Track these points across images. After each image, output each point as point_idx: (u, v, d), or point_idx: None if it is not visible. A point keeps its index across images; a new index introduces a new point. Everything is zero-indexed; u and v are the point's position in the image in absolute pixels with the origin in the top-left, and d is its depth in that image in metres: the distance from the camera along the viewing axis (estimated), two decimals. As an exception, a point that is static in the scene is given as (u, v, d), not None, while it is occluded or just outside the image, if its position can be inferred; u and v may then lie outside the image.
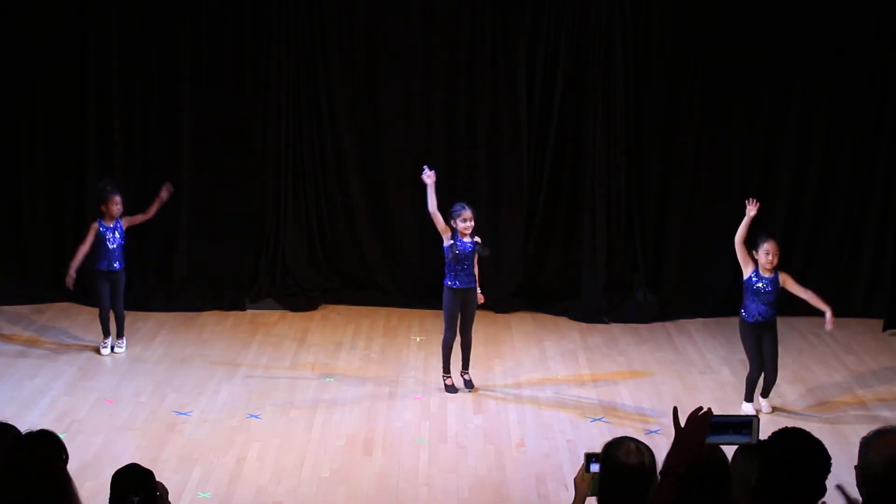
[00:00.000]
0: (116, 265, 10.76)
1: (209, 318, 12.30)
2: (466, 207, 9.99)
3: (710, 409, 3.96)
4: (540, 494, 8.23)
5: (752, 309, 9.59)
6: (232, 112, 12.50)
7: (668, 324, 12.26)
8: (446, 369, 10.21)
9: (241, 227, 12.71)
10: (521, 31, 12.31)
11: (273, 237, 12.73)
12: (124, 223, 10.84)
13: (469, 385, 10.21)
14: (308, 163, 12.65)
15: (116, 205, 10.69)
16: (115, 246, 10.72)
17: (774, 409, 9.84)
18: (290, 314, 12.49)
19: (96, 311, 12.23)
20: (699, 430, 3.90)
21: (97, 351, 10.90)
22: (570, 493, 4.47)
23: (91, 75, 12.35)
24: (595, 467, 4.39)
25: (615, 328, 12.14)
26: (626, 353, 11.37)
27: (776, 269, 9.63)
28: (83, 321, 11.78)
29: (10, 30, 12.24)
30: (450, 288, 9.98)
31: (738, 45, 12.22)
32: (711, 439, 3.95)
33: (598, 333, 11.97)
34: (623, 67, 12.25)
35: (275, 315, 12.45)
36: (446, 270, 9.98)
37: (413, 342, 11.57)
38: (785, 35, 12.20)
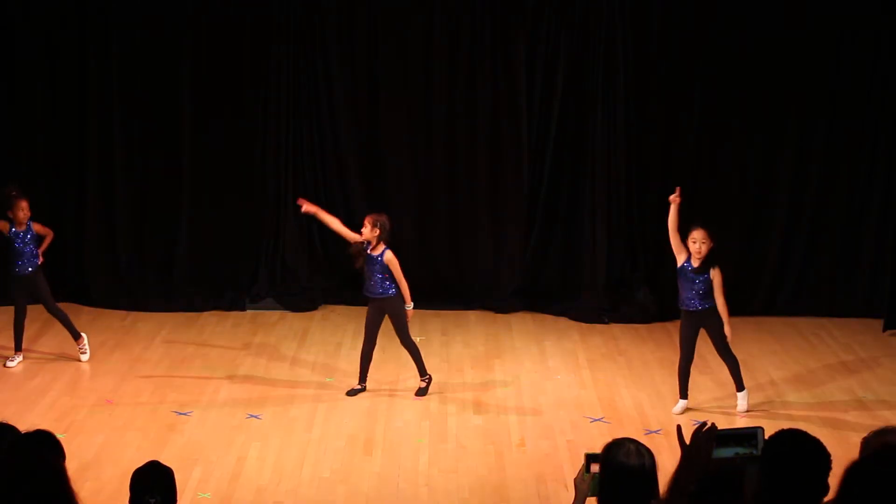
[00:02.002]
0: (30, 269, 10.55)
1: (209, 318, 12.30)
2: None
3: (713, 423, 3.96)
4: (540, 494, 8.23)
5: (685, 297, 9.45)
6: (232, 112, 12.50)
7: (668, 324, 12.24)
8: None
9: (241, 227, 12.71)
10: (522, 32, 12.31)
11: (273, 237, 12.73)
12: (36, 228, 10.58)
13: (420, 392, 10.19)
14: (308, 163, 12.65)
15: (23, 210, 10.49)
16: (26, 249, 10.52)
17: (750, 409, 9.74)
18: (290, 314, 12.49)
19: (97, 310, 12.25)
20: (705, 446, 3.89)
21: (3, 364, 10.66)
22: (570, 494, 4.47)
23: (91, 76, 12.35)
24: (595, 468, 4.38)
25: (615, 328, 12.14)
26: (626, 353, 11.37)
27: (709, 265, 9.37)
28: (83, 321, 11.77)
29: (10, 31, 12.24)
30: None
31: (738, 47, 12.22)
32: (718, 454, 3.95)
33: (598, 333, 11.97)
34: (623, 68, 12.25)
35: (275, 315, 12.45)
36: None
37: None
38: (786, 36, 12.20)
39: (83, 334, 10.86)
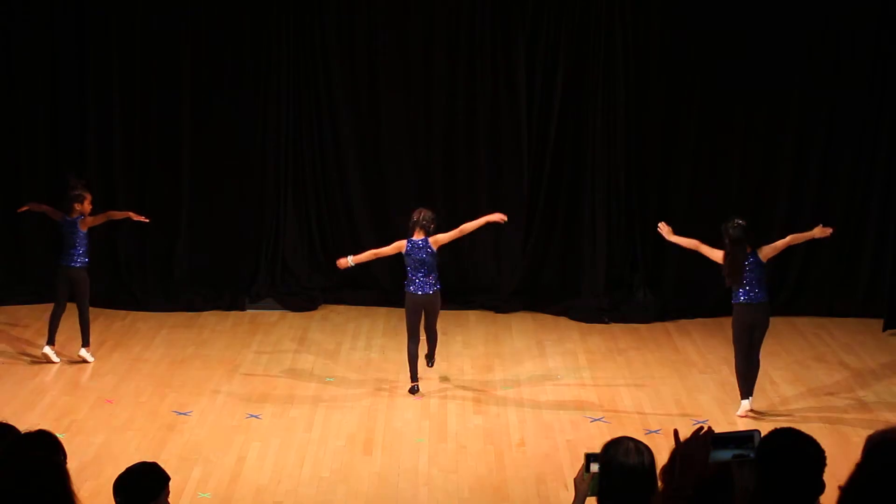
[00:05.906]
0: (87, 260, 10.63)
1: (209, 318, 12.30)
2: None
3: (710, 427, 3.96)
4: (540, 494, 8.23)
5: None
6: (232, 112, 12.51)
7: (668, 324, 12.26)
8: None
9: (241, 227, 12.71)
10: (522, 31, 12.32)
11: (273, 237, 12.74)
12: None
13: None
14: (308, 163, 12.66)
15: (90, 204, 10.57)
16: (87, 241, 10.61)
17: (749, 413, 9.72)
18: (290, 314, 12.49)
19: (97, 310, 12.20)
20: (702, 449, 3.89)
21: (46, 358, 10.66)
22: (570, 493, 4.47)
23: (91, 76, 12.36)
24: (595, 467, 4.37)
25: (615, 328, 12.14)
26: (626, 353, 11.37)
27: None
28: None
29: (11, 30, 12.25)
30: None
31: (737, 46, 12.23)
32: (715, 457, 3.94)
33: (598, 333, 11.96)
34: (623, 67, 12.27)
35: (275, 315, 12.45)
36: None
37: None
38: (786, 36, 12.21)
39: (53, 346, 10.76)
